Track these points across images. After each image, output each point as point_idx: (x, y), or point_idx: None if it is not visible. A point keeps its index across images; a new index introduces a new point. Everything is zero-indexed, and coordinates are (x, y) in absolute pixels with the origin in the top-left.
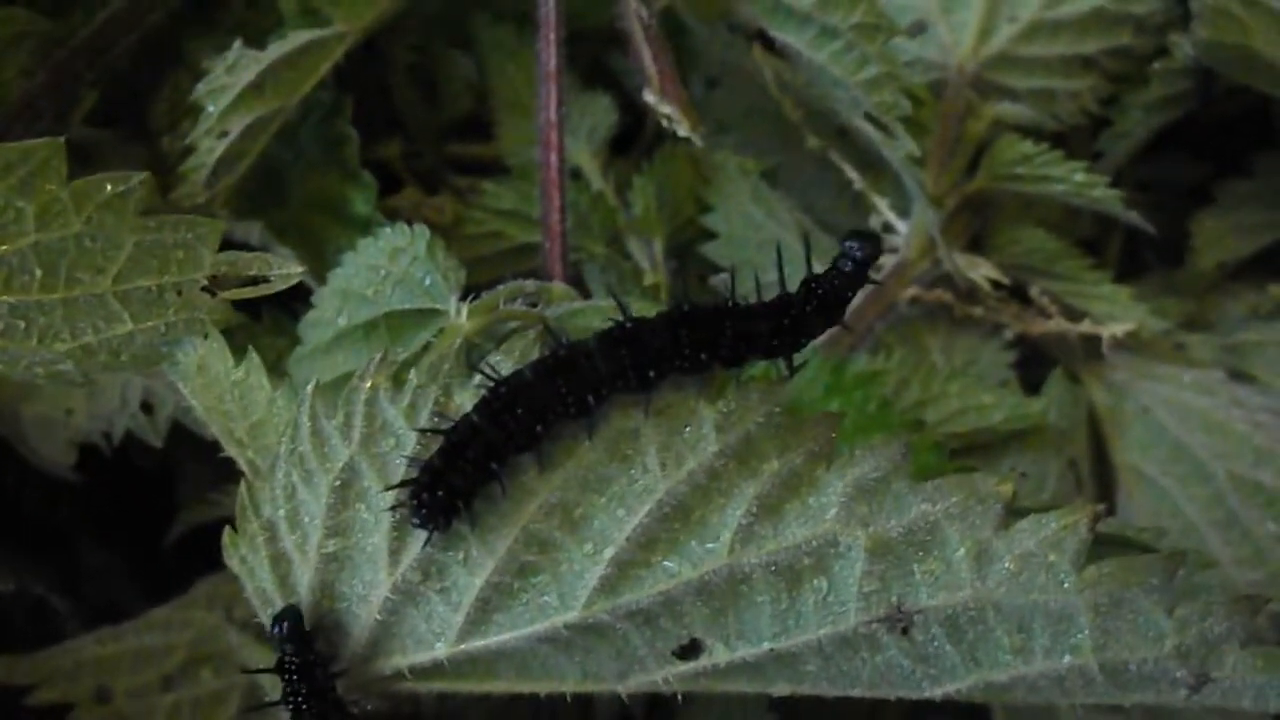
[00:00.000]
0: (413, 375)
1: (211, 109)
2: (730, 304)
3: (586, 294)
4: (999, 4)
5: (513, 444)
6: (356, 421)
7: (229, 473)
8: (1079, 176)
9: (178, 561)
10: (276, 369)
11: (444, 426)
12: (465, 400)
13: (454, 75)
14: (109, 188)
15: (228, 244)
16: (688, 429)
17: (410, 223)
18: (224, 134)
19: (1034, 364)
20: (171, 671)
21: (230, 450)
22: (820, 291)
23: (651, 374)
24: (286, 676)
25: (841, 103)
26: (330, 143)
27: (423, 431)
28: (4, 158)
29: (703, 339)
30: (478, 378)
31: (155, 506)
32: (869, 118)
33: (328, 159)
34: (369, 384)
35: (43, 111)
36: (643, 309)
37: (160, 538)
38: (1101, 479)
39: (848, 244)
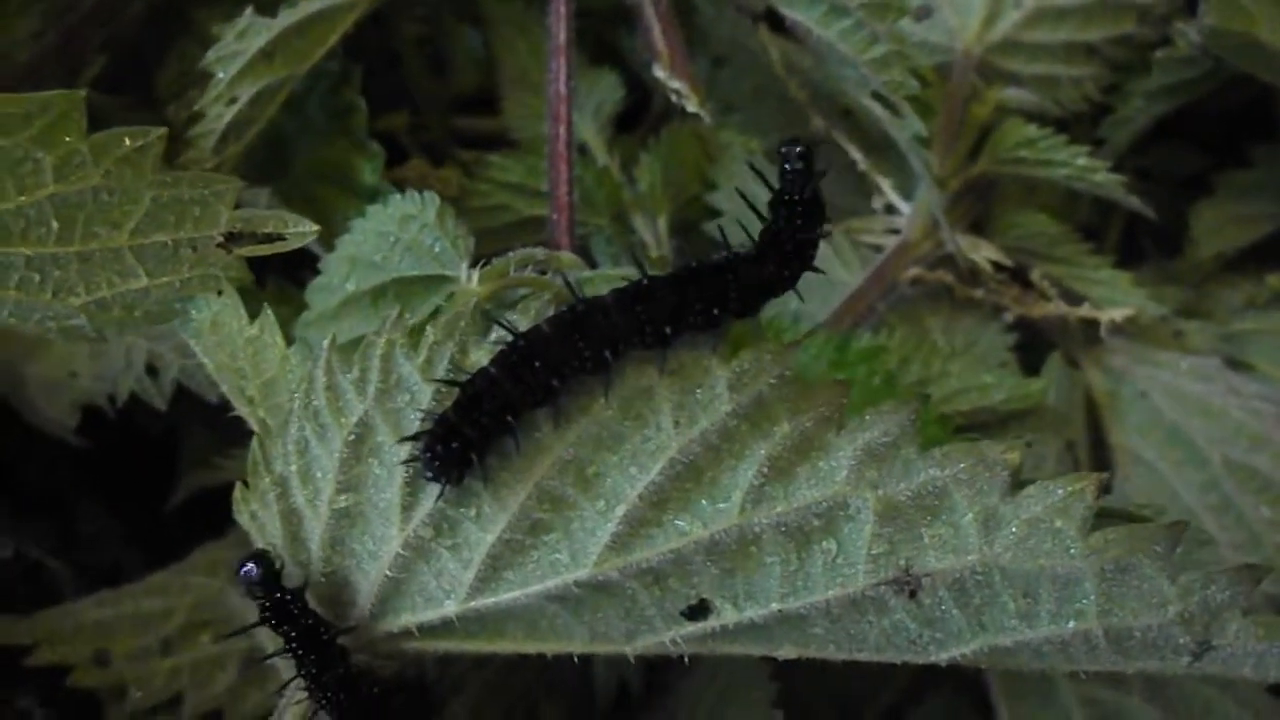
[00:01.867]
0: (429, 331)
1: (221, 75)
2: (735, 254)
3: (593, 266)
4: None
5: (529, 398)
6: (372, 376)
7: (232, 437)
8: (1081, 161)
9: (177, 527)
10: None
11: (459, 379)
12: (481, 357)
13: (462, 49)
14: (128, 142)
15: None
16: (701, 389)
17: (418, 191)
18: (233, 101)
19: (1032, 347)
20: (170, 635)
21: (240, 409)
22: (792, 202)
23: (667, 329)
24: (282, 626)
25: (848, 82)
26: (338, 112)
27: (439, 383)
28: (24, 108)
29: (715, 291)
30: (494, 334)
31: (156, 471)
32: (876, 97)
33: (335, 128)
34: (385, 339)
35: (51, 75)
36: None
37: (160, 502)
38: (1099, 462)
39: (782, 150)
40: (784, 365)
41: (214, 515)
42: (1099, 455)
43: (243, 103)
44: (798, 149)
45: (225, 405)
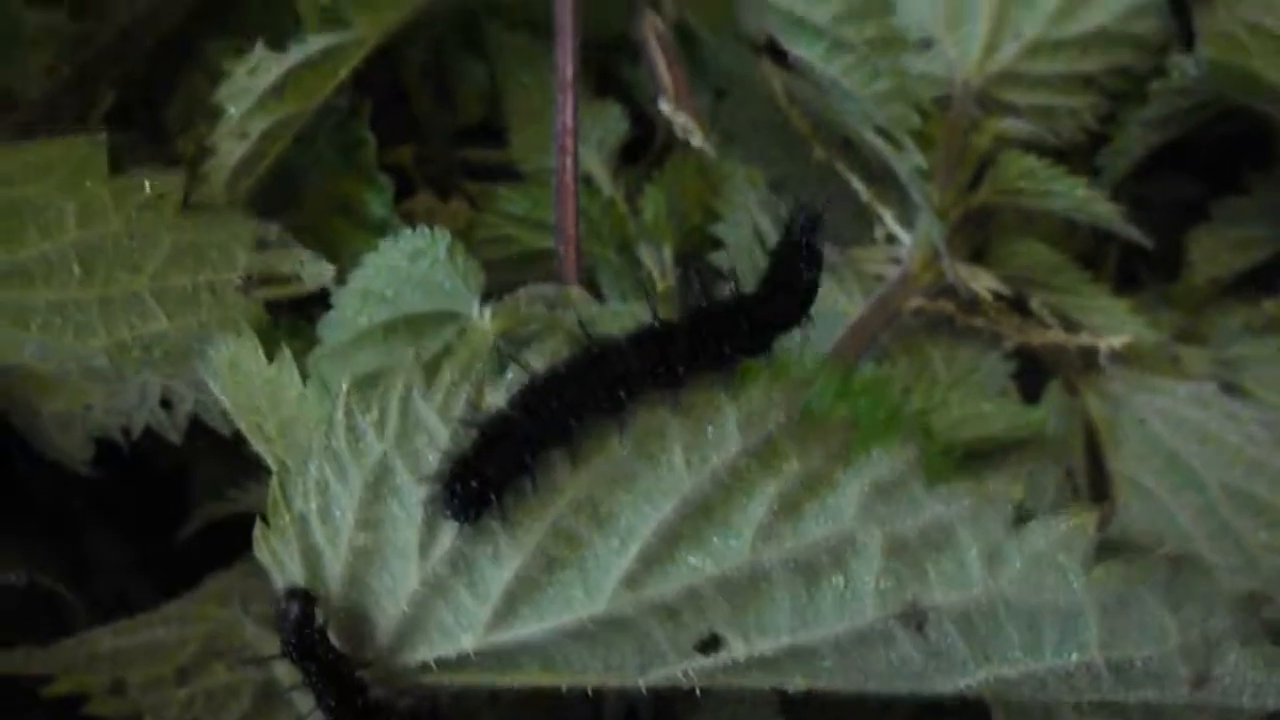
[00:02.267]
0: (446, 372)
1: (232, 111)
2: (744, 294)
3: (600, 298)
4: (1004, 21)
5: (545, 439)
6: (391, 418)
7: (244, 468)
8: (1080, 192)
9: (185, 554)
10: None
11: (478, 420)
12: (498, 398)
13: (467, 81)
14: (148, 187)
15: None
16: (712, 427)
17: (429, 226)
18: (244, 136)
19: (1031, 375)
20: (185, 664)
21: (258, 446)
22: (795, 249)
23: (681, 370)
24: (303, 659)
25: (850, 115)
26: (347, 146)
27: (457, 423)
28: (46, 154)
29: (727, 331)
30: (511, 375)
31: (166, 499)
32: (878, 130)
33: (344, 162)
34: (403, 382)
35: (64, 111)
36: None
37: (171, 530)
38: (1097, 488)
39: (794, 212)
40: (793, 404)
41: (223, 544)
42: (1098, 481)
43: (254, 138)
44: (808, 213)
45: (238, 437)
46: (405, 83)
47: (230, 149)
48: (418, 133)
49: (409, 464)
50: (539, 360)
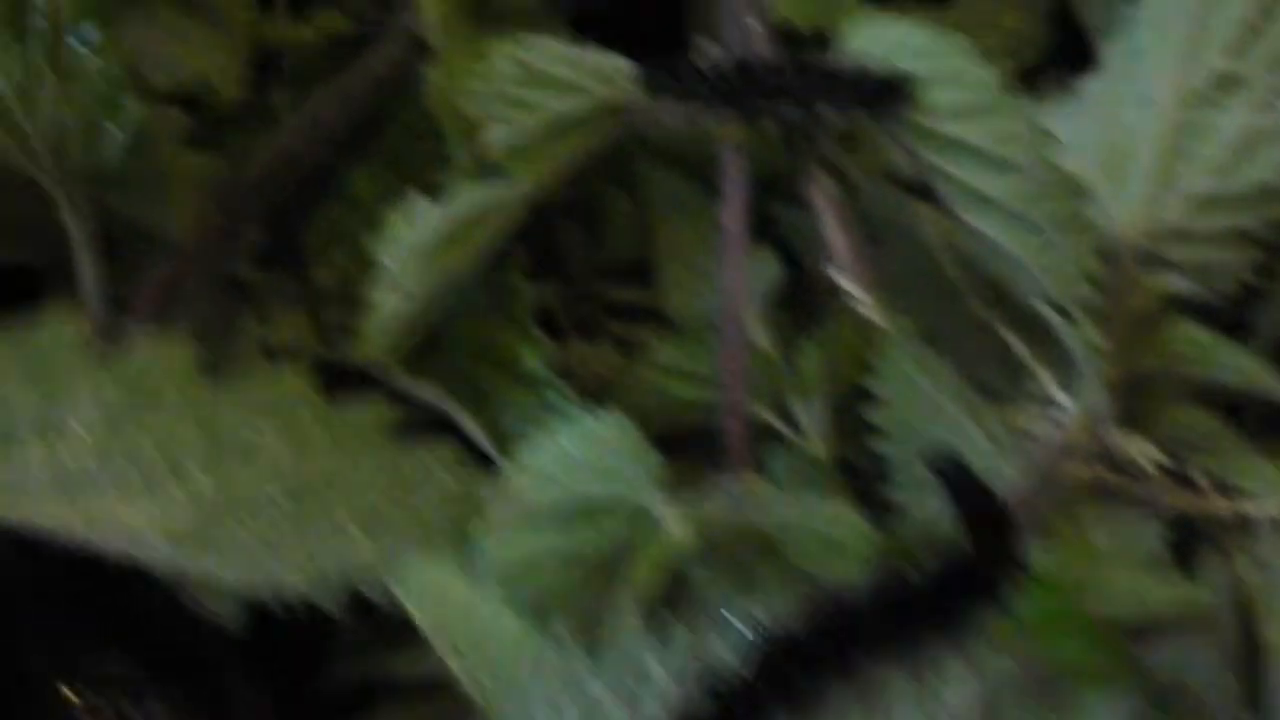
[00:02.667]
0: (664, 616)
1: (389, 265)
2: (967, 546)
3: (760, 466)
4: (1166, 176)
5: (779, 704)
6: (606, 656)
7: (391, 630)
8: (1249, 365)
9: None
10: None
11: (704, 675)
12: (722, 649)
13: (617, 219)
14: (358, 418)
15: (402, 399)
16: (937, 681)
17: (578, 375)
18: (403, 291)
19: (1182, 539)
20: None
21: (449, 661)
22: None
23: (925, 637)
24: None
25: (1019, 282)
26: (499, 294)
27: (685, 680)
28: (255, 391)
29: (963, 589)
30: (738, 625)
31: (308, 648)
32: (1049, 301)
33: (495, 309)
34: (617, 619)
35: (214, 254)
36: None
37: (309, 678)
38: (1250, 658)
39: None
40: (1015, 655)
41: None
42: (1249, 651)
43: (415, 295)
44: (947, 458)
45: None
46: (549, 217)
47: (389, 304)
48: (560, 268)
49: (623, 702)
50: (761, 609)
